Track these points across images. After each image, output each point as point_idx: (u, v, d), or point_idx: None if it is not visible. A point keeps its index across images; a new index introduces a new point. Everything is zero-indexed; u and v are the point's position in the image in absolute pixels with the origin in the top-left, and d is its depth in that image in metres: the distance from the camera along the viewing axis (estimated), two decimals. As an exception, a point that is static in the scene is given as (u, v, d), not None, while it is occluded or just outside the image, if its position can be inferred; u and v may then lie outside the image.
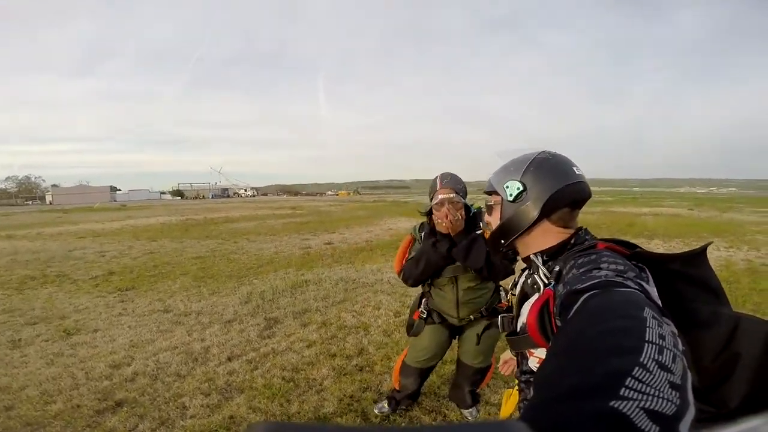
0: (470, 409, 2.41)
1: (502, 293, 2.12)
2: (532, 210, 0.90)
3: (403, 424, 2.38)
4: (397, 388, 2.34)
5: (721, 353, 0.66)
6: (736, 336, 0.65)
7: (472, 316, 2.04)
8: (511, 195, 0.91)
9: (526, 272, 0.99)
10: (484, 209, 1.94)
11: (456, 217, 1.81)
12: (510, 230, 0.94)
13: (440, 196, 1.79)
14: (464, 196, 1.85)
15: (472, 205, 1.91)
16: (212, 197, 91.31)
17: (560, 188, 0.88)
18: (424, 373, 2.24)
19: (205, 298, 5.05)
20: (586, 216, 16.22)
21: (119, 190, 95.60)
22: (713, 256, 7.04)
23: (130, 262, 7.63)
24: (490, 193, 1.01)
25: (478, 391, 2.37)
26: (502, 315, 1.09)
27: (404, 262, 2.05)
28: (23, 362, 3.24)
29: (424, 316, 2.12)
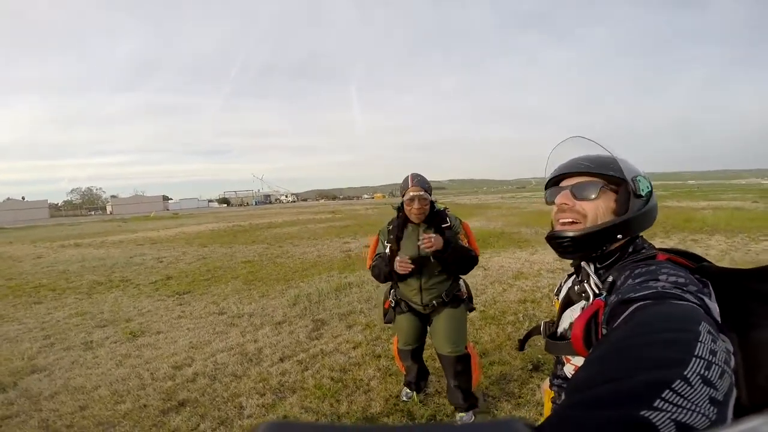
0: (466, 413, 2.33)
1: (461, 282, 2.34)
2: (653, 213, 0.88)
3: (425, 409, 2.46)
4: (404, 372, 2.63)
5: None
6: None
7: (435, 302, 2.22)
8: (642, 190, 0.85)
9: (573, 278, 0.96)
10: (447, 209, 2.25)
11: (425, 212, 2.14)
12: (636, 227, 0.86)
13: (411, 194, 2.10)
14: (430, 193, 2.14)
15: (435, 201, 2.20)
16: (256, 204, 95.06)
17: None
18: (415, 352, 2.47)
19: (255, 300, 5.26)
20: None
21: (171, 199, 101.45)
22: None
23: (185, 267, 8.09)
24: (597, 175, 0.87)
25: (473, 391, 2.38)
26: (544, 321, 1.05)
27: (372, 259, 2.35)
28: (95, 363, 3.49)
29: (393, 305, 2.37)
